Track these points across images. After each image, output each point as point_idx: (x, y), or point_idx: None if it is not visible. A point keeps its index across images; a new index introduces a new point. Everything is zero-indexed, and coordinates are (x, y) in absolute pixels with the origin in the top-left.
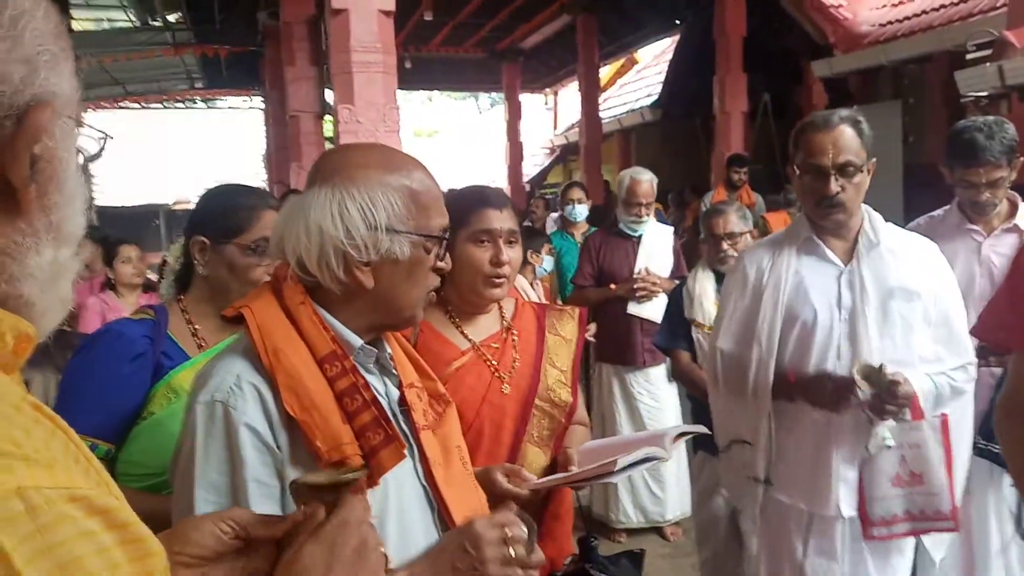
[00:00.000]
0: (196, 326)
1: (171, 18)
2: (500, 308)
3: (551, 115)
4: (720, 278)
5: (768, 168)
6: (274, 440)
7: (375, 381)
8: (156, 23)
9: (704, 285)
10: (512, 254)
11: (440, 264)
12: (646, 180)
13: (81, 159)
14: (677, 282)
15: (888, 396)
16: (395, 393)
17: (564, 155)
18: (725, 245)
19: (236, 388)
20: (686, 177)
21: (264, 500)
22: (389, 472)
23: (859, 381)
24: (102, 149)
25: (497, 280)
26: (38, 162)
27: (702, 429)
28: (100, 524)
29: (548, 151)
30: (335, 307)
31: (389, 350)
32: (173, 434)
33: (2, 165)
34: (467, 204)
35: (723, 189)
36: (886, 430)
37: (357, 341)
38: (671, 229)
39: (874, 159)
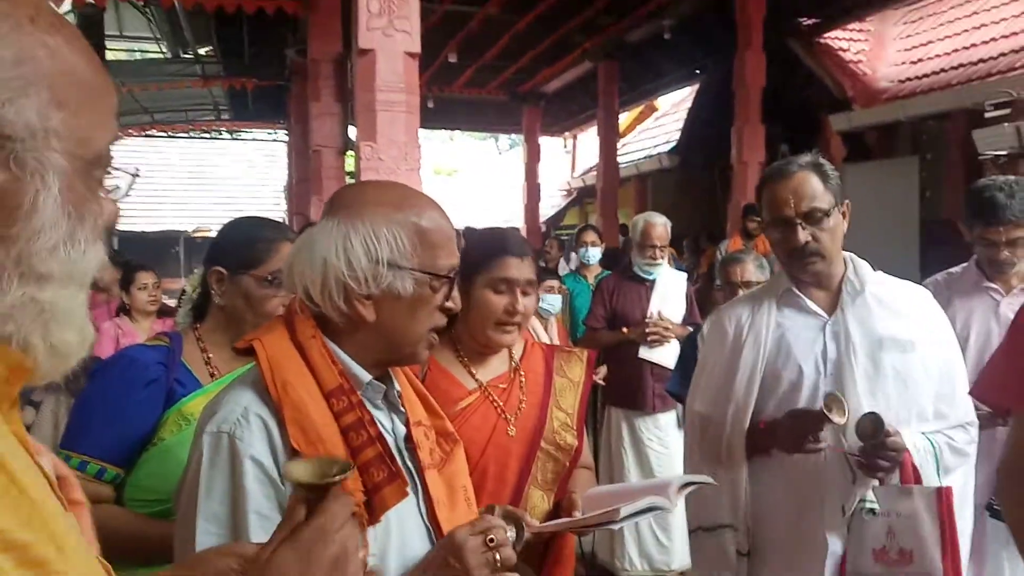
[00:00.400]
0: (210, 355)
1: (202, 51)
2: (509, 349)
3: (569, 158)
4: None
5: None
6: (278, 473)
7: (382, 417)
8: (187, 55)
9: None
10: (527, 303)
11: (448, 304)
12: (660, 224)
13: (96, 198)
14: (690, 328)
15: (875, 446)
16: (402, 430)
17: (581, 197)
18: (742, 293)
19: (243, 420)
20: (702, 224)
21: (264, 533)
22: (391, 509)
23: (826, 409)
24: (131, 185)
25: (509, 327)
26: None
27: (708, 480)
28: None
29: (565, 193)
30: (344, 341)
31: (398, 387)
32: (182, 461)
33: None
34: (489, 249)
35: (739, 238)
36: (870, 491)
37: (365, 376)
38: (685, 275)
39: (847, 200)
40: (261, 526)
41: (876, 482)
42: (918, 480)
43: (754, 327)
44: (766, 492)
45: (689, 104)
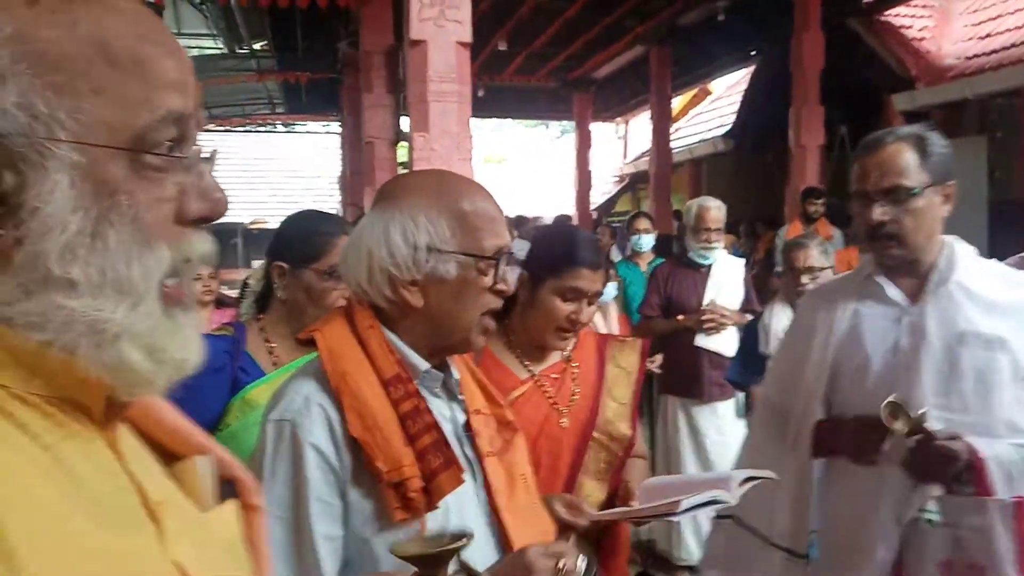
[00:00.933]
0: (272, 344)
1: (256, 46)
2: None
3: (621, 144)
4: None
5: (846, 202)
6: (338, 460)
7: (441, 405)
8: (242, 51)
9: (781, 320)
10: (590, 312)
11: (499, 286)
12: (714, 207)
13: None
14: (748, 316)
15: (926, 450)
16: (461, 418)
17: (633, 184)
18: (805, 279)
19: (304, 409)
20: (758, 209)
21: (326, 519)
22: (451, 496)
23: (886, 418)
24: (210, 169)
25: (568, 334)
26: (5, 199)
27: (771, 474)
28: None
29: (617, 179)
30: (399, 330)
31: (457, 375)
32: (247, 446)
33: None
34: (563, 256)
35: (800, 222)
36: (929, 500)
37: (423, 365)
38: (742, 261)
39: (951, 182)
40: (322, 511)
41: (938, 491)
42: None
43: (830, 312)
44: (827, 492)
45: (744, 87)
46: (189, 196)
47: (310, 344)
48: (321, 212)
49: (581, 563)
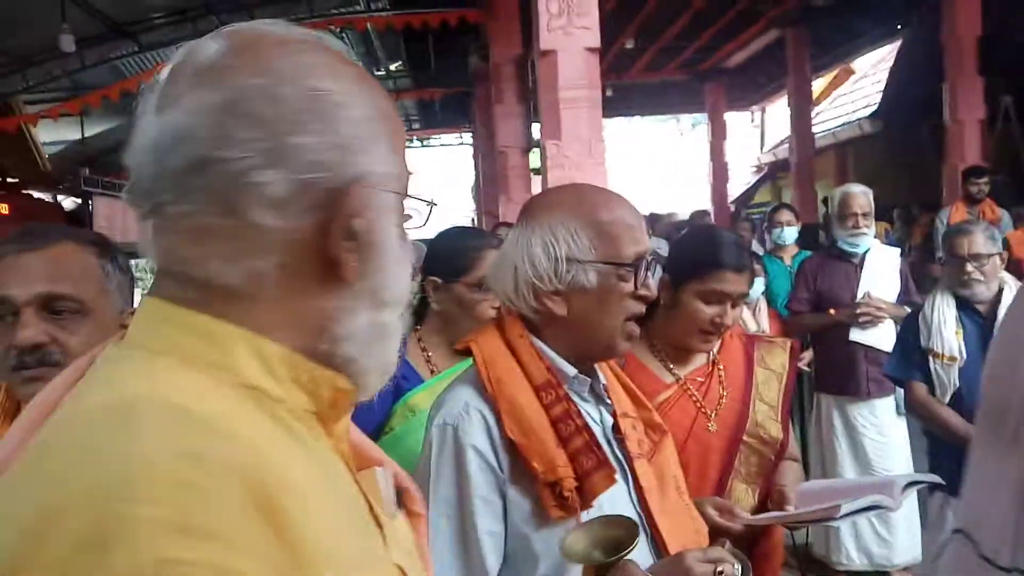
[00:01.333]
0: (429, 353)
1: (392, 67)
2: None
3: (758, 132)
4: (962, 304)
5: (1012, 179)
6: (497, 461)
7: (590, 409)
8: (379, 72)
9: (944, 311)
10: (735, 315)
11: (641, 292)
12: (859, 192)
13: (405, 227)
14: (906, 308)
15: None
16: (609, 421)
17: (772, 173)
18: (970, 268)
19: (464, 413)
20: (912, 192)
21: (488, 516)
22: (604, 497)
23: None
24: (428, 217)
25: (711, 338)
26: (357, 236)
27: (935, 479)
28: None
29: (755, 170)
30: (547, 339)
31: (604, 380)
32: (410, 449)
33: (324, 241)
34: (708, 258)
35: (962, 204)
36: None
37: (571, 371)
38: (897, 250)
39: None
40: (485, 510)
41: None
42: None
43: None
44: None
45: (890, 63)
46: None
47: (465, 353)
48: (468, 228)
49: (738, 569)
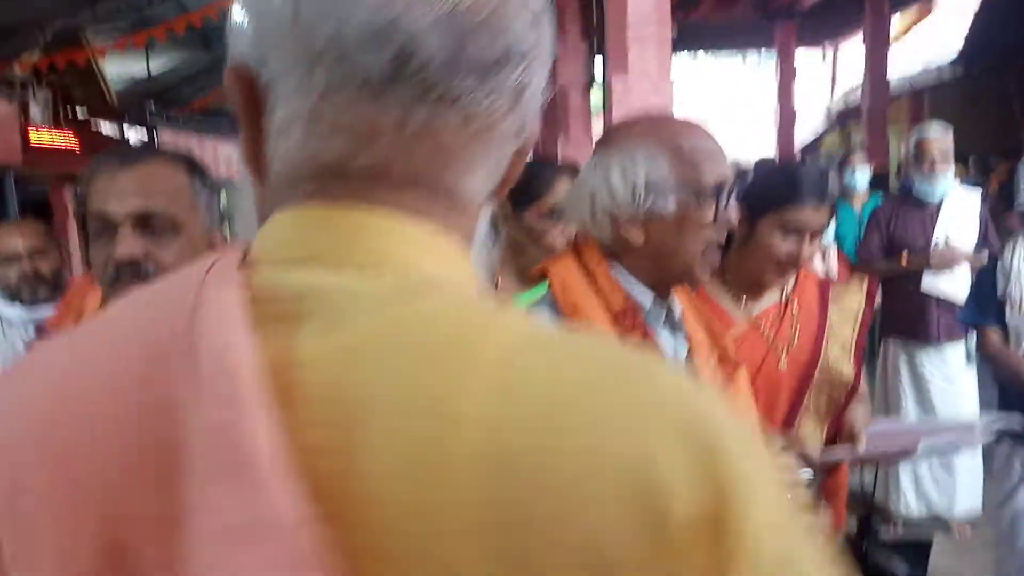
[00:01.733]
0: (499, 279)
1: None
2: None
3: (829, 76)
4: None
5: None
6: None
7: (666, 336)
8: None
9: (1023, 260)
10: (812, 249)
11: (722, 220)
12: (938, 132)
13: None
14: (983, 256)
15: None
16: (683, 351)
17: (843, 119)
18: None
19: None
20: (992, 142)
21: None
22: None
23: None
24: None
25: (787, 272)
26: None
27: (1020, 421)
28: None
29: (824, 114)
30: (627, 267)
31: (680, 310)
32: None
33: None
34: (787, 189)
35: None
36: None
37: (648, 300)
38: (979, 193)
39: None
40: None
41: None
42: None
43: None
44: None
45: (975, 4)
46: None
47: (537, 279)
48: (540, 157)
49: (806, 474)
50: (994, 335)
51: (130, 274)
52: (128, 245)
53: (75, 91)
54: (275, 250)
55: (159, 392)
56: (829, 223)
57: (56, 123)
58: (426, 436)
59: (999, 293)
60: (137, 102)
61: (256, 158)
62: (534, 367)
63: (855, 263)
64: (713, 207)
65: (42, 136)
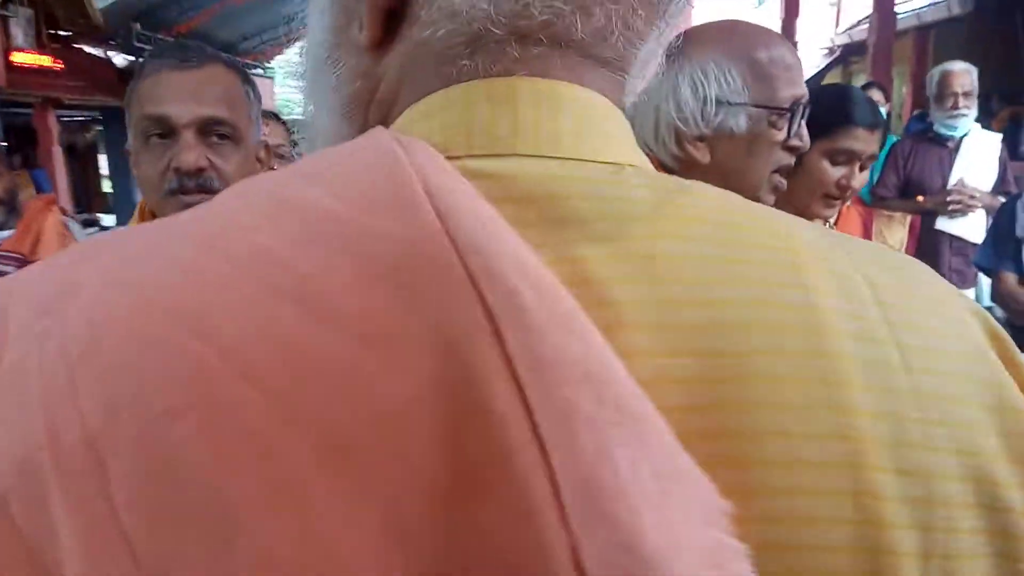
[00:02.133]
0: None
1: None
2: None
3: (833, 11)
4: None
5: None
6: None
7: None
8: None
9: None
10: (862, 178)
11: (794, 142)
12: (961, 69)
13: None
14: (1000, 197)
15: None
16: None
17: (845, 56)
18: None
19: None
20: (993, 83)
21: None
22: None
23: None
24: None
25: (836, 201)
26: None
27: None
28: None
29: (826, 52)
30: None
31: None
32: None
33: None
34: (838, 114)
35: None
36: None
37: None
38: (999, 136)
39: None
40: None
41: None
42: None
43: None
44: None
45: None
46: None
47: None
48: None
49: None
50: (1009, 278)
51: (195, 186)
52: (194, 153)
53: (58, 11)
54: (469, 137)
55: (429, 320)
56: (880, 151)
57: (39, 45)
58: (810, 350)
59: (1017, 234)
60: (124, 24)
61: (383, 20)
62: (846, 271)
63: (868, 202)
64: (786, 126)
65: (25, 57)
